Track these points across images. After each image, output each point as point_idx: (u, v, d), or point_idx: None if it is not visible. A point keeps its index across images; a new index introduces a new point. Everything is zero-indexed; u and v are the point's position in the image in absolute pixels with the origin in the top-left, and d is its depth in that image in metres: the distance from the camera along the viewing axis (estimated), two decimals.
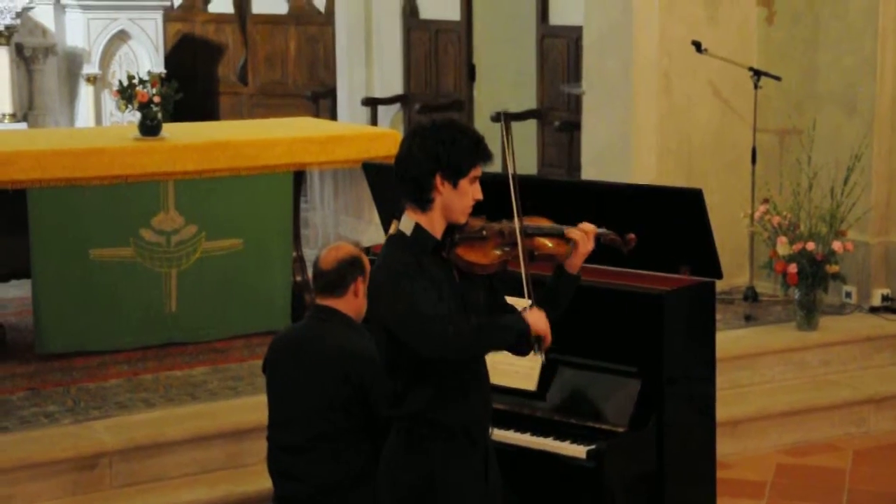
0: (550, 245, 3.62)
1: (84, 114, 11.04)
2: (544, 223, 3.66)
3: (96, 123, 10.98)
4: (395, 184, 3.46)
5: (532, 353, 3.45)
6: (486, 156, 3.44)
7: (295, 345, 4.15)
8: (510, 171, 3.51)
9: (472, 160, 3.41)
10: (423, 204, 3.42)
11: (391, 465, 3.51)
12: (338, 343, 4.02)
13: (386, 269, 3.42)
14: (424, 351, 3.34)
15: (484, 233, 3.51)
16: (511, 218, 3.53)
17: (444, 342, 3.32)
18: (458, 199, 3.42)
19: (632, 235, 3.72)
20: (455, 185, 3.40)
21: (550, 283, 3.67)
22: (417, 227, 3.43)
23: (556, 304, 3.64)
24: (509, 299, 3.65)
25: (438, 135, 3.40)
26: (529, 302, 3.47)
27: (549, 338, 3.44)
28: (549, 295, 3.64)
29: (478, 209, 3.50)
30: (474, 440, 3.50)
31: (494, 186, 3.50)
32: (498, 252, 3.51)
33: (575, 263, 3.64)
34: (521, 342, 3.43)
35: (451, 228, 3.47)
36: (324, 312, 4.10)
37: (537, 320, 3.42)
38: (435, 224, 3.45)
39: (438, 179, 3.39)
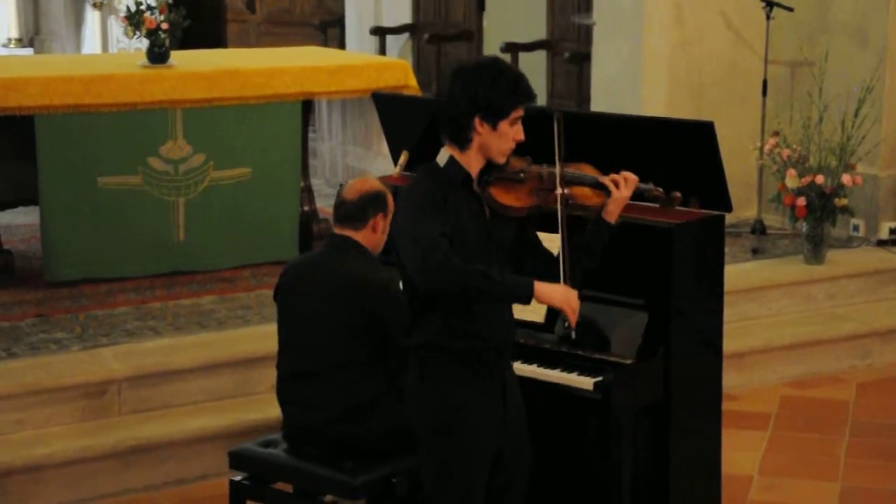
0: (589, 194, 3.60)
1: (91, 40, 10.98)
2: (588, 171, 3.64)
3: (103, 50, 10.92)
4: (435, 121, 3.44)
5: (564, 327, 3.47)
6: (527, 97, 3.41)
7: (309, 272, 4.15)
8: (558, 165, 3.48)
9: (512, 102, 3.38)
10: (462, 143, 3.41)
11: (411, 395, 3.54)
12: (353, 272, 4.02)
13: (410, 196, 3.42)
14: (409, 271, 3.35)
15: (522, 175, 3.49)
16: (552, 162, 3.50)
17: (425, 268, 3.30)
18: (497, 141, 3.40)
19: (677, 193, 3.70)
20: (494, 126, 3.38)
21: (588, 232, 3.65)
22: (451, 159, 3.43)
23: (591, 252, 3.64)
24: (543, 236, 3.63)
25: (479, 75, 3.37)
26: (560, 240, 3.47)
27: (573, 314, 3.43)
28: (586, 243, 3.64)
29: (520, 148, 3.49)
30: (488, 367, 3.51)
31: (536, 122, 3.48)
32: (533, 196, 3.50)
33: (613, 212, 3.63)
34: (518, 301, 3.43)
35: (491, 165, 3.46)
36: (341, 241, 4.09)
37: (551, 293, 3.41)
38: (472, 161, 3.43)
39: (477, 121, 3.37)
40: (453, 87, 3.39)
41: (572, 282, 3.51)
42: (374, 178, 4.21)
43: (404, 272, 3.47)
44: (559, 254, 3.53)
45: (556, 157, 3.51)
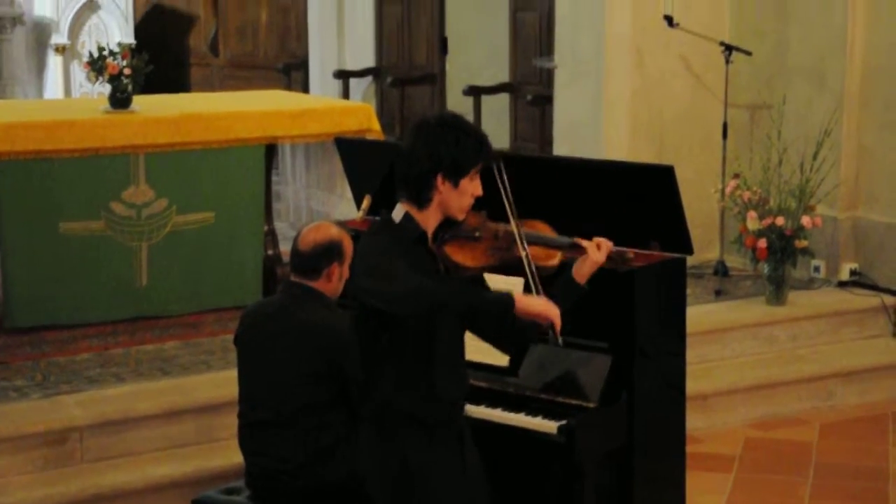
0: (543, 255, 3.59)
1: (53, 85, 10.94)
2: (542, 229, 3.64)
3: (65, 95, 10.88)
4: (395, 180, 3.42)
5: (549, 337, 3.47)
6: (489, 155, 3.42)
7: (267, 319, 4.14)
8: (509, 211, 3.48)
9: (475, 161, 3.39)
10: (422, 202, 3.39)
11: (368, 455, 3.52)
12: (310, 318, 4.01)
13: (371, 254, 3.39)
14: (403, 303, 3.28)
15: (477, 234, 3.49)
16: (506, 217, 3.50)
17: (423, 292, 3.28)
18: (457, 198, 3.40)
19: (631, 254, 3.71)
20: (456, 184, 3.38)
21: (558, 290, 3.64)
22: (407, 216, 3.41)
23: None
24: (498, 278, 3.62)
25: (443, 135, 3.36)
26: (521, 281, 3.46)
27: (558, 321, 3.43)
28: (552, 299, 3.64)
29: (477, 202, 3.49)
30: (446, 425, 3.50)
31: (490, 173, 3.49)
32: (489, 256, 3.49)
33: (584, 273, 3.64)
34: (502, 314, 3.38)
35: (446, 224, 3.46)
36: (297, 288, 4.08)
37: (530, 303, 3.39)
38: (430, 219, 3.42)
39: (439, 179, 3.37)
40: (415, 145, 3.38)
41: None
42: (328, 224, 4.14)
43: (358, 318, 3.45)
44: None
45: (509, 214, 3.49)
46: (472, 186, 3.41)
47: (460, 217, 3.45)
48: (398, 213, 3.42)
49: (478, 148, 3.39)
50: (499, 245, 3.50)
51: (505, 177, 3.50)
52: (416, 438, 3.44)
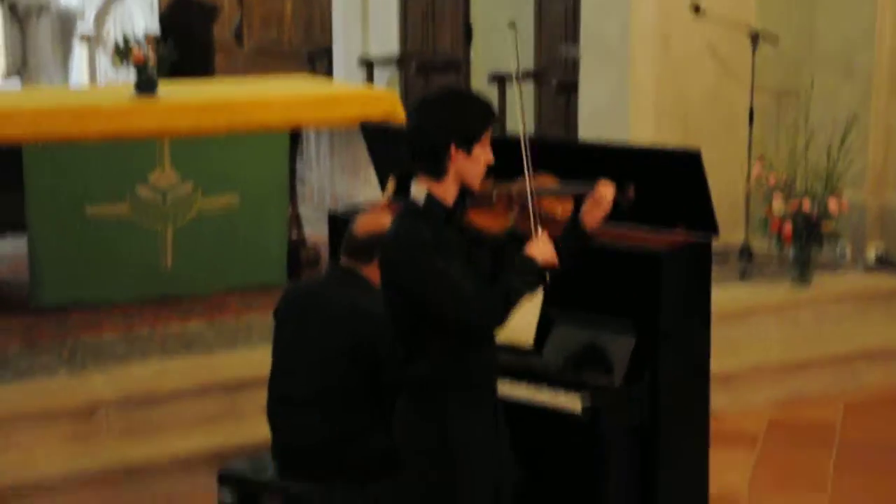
0: (557, 204, 3.61)
1: (78, 73, 11.01)
2: (549, 181, 3.66)
3: (90, 82, 10.95)
4: (404, 153, 3.45)
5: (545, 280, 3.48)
6: (494, 116, 3.44)
7: (308, 296, 4.16)
8: (522, 128, 3.50)
9: (483, 125, 3.41)
10: (439, 174, 3.41)
11: (405, 429, 3.51)
12: (353, 301, 4.02)
13: (403, 241, 3.39)
14: (453, 315, 3.33)
15: (493, 198, 3.52)
16: (517, 179, 3.53)
17: (474, 307, 3.32)
18: (472, 166, 3.41)
19: (631, 191, 3.71)
20: (469, 152, 3.39)
21: (562, 237, 3.64)
22: (430, 196, 3.42)
23: (562, 259, 3.66)
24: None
25: (448, 104, 3.39)
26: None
27: (556, 263, 3.45)
28: (558, 249, 3.65)
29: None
30: (483, 394, 3.51)
31: (501, 147, 3.51)
32: (507, 216, 3.52)
33: (591, 221, 3.65)
34: (539, 282, 3.44)
35: (463, 194, 3.48)
36: (343, 270, 4.11)
37: (543, 251, 3.43)
38: (448, 191, 3.44)
39: (453, 149, 3.39)
40: (423, 119, 3.40)
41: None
42: (385, 214, 4.16)
43: (391, 307, 3.47)
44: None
45: (526, 170, 3.51)
46: (485, 153, 3.43)
47: (476, 185, 3.47)
48: (418, 192, 3.43)
49: (484, 112, 3.42)
50: (515, 204, 3.52)
51: (526, 139, 3.51)
52: (457, 414, 3.44)
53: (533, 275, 3.42)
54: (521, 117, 3.56)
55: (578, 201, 3.68)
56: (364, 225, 4.10)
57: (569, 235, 3.65)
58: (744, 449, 5.61)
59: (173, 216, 6.45)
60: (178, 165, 6.42)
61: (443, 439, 3.43)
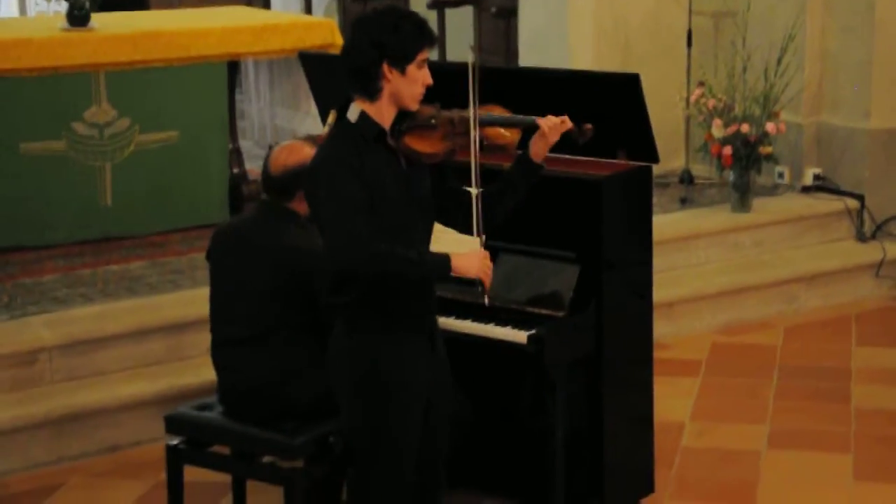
0: (503, 133, 3.60)
1: (7, 2, 10.74)
2: (498, 112, 3.64)
3: (20, 14, 10.70)
4: (341, 76, 3.43)
5: (478, 291, 3.50)
6: (431, 38, 3.42)
7: (239, 236, 4.12)
8: (472, 108, 3.46)
9: (418, 44, 3.38)
10: (372, 94, 3.40)
11: (338, 353, 3.54)
12: (282, 237, 4.00)
13: (323, 160, 3.40)
14: (333, 260, 3.35)
15: (433, 121, 3.48)
16: (463, 107, 3.50)
17: (351, 259, 3.31)
18: (407, 86, 3.40)
19: (588, 125, 3.71)
20: (403, 71, 3.38)
21: (511, 170, 3.67)
22: (363, 114, 3.41)
23: (515, 190, 3.66)
24: (456, 239, 3.63)
25: (381, 22, 3.37)
26: (478, 240, 3.47)
27: (487, 280, 3.47)
28: (508, 181, 3.66)
29: (431, 97, 3.48)
30: (417, 319, 3.53)
31: (444, 75, 3.48)
32: (446, 141, 3.49)
33: (539, 153, 3.65)
34: (441, 279, 3.47)
35: (402, 116, 3.46)
36: (271, 207, 4.07)
37: (467, 264, 3.43)
38: (384, 112, 3.42)
39: (386, 67, 3.36)
40: (356, 37, 3.39)
41: (485, 228, 3.51)
42: (300, 144, 4.10)
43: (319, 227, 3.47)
44: (472, 201, 3.51)
45: (471, 99, 3.48)
46: (422, 75, 3.41)
47: (413, 107, 3.45)
48: (353, 112, 3.43)
49: (419, 32, 3.39)
50: (456, 130, 3.50)
51: (476, 67, 3.48)
52: (389, 337, 3.47)
53: (437, 274, 3.42)
54: (470, 67, 3.49)
55: (527, 135, 3.67)
56: (277, 160, 4.05)
57: (518, 166, 3.65)
58: (687, 376, 5.70)
59: (111, 152, 6.37)
60: (114, 100, 6.32)
61: (371, 366, 3.45)
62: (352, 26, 3.43)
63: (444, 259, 3.42)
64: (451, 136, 3.51)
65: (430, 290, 3.58)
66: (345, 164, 3.34)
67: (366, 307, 3.46)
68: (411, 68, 3.39)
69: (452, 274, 3.42)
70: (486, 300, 3.58)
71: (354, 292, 3.44)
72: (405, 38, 3.36)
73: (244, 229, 4.14)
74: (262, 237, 4.04)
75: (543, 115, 3.69)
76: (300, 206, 4.01)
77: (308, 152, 4.00)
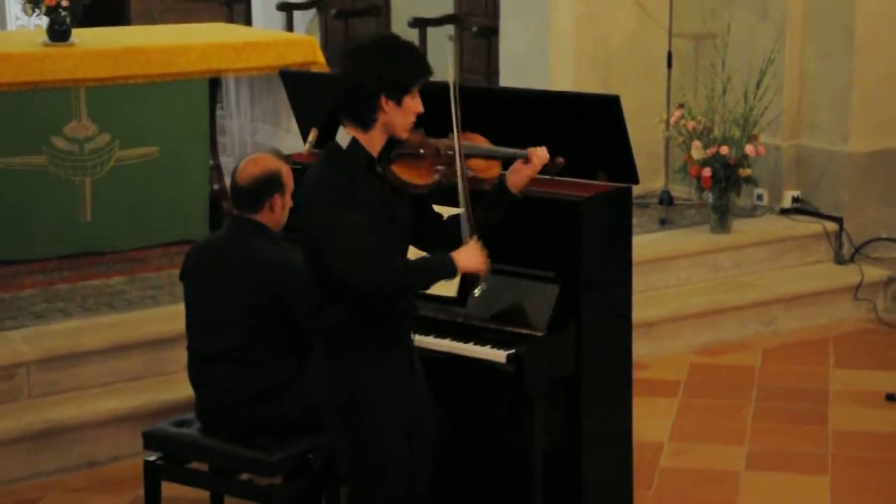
0: (484, 166, 3.63)
1: None
2: (479, 141, 3.66)
3: (0, 28, 10.67)
4: (329, 100, 3.44)
5: (474, 289, 3.57)
6: (428, 70, 3.44)
7: (213, 254, 4.13)
8: (457, 138, 3.49)
9: (416, 77, 3.40)
10: (367, 124, 3.40)
11: (318, 375, 3.54)
12: (255, 253, 4.01)
13: (320, 186, 3.39)
14: (351, 280, 3.35)
15: (422, 151, 3.50)
16: (442, 126, 3.51)
17: (371, 277, 3.33)
18: (401, 117, 3.41)
19: (560, 159, 3.74)
20: (399, 103, 3.39)
21: (488, 197, 3.69)
22: (354, 141, 3.42)
23: (488, 218, 3.69)
24: (440, 209, 3.66)
25: (380, 54, 3.37)
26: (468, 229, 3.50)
27: (485, 270, 3.51)
28: (485, 207, 3.68)
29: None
30: (397, 341, 3.54)
31: (431, 96, 3.49)
32: (433, 171, 3.51)
33: (517, 183, 3.67)
34: (449, 278, 3.53)
35: (390, 144, 3.47)
36: (242, 222, 4.08)
37: (468, 260, 3.47)
38: (375, 141, 3.43)
39: (383, 99, 3.37)
40: (354, 68, 3.38)
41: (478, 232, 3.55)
42: (265, 155, 4.12)
43: (307, 251, 3.47)
44: (460, 214, 3.55)
45: (455, 129, 3.51)
46: (414, 104, 3.43)
47: (404, 136, 3.47)
48: (342, 137, 3.43)
49: (417, 64, 3.41)
50: (442, 161, 3.52)
51: (457, 92, 3.50)
52: (371, 360, 3.48)
53: (447, 277, 3.48)
54: (453, 92, 3.51)
55: (507, 163, 3.70)
56: (244, 172, 4.05)
57: (494, 195, 3.67)
58: (666, 396, 5.71)
59: (91, 167, 6.35)
60: (94, 116, 6.31)
61: (351, 392, 3.45)
62: (349, 56, 3.42)
63: (449, 259, 3.46)
64: (438, 165, 3.52)
65: (408, 310, 3.59)
66: (344, 192, 3.36)
67: (345, 330, 3.46)
68: (407, 99, 3.40)
69: (458, 272, 3.48)
70: (478, 292, 3.61)
71: (339, 314, 3.44)
72: (404, 70, 3.38)
73: (217, 247, 4.15)
74: (236, 253, 4.04)
75: (524, 136, 3.72)
76: (270, 217, 4.04)
77: (272, 162, 4.04)
